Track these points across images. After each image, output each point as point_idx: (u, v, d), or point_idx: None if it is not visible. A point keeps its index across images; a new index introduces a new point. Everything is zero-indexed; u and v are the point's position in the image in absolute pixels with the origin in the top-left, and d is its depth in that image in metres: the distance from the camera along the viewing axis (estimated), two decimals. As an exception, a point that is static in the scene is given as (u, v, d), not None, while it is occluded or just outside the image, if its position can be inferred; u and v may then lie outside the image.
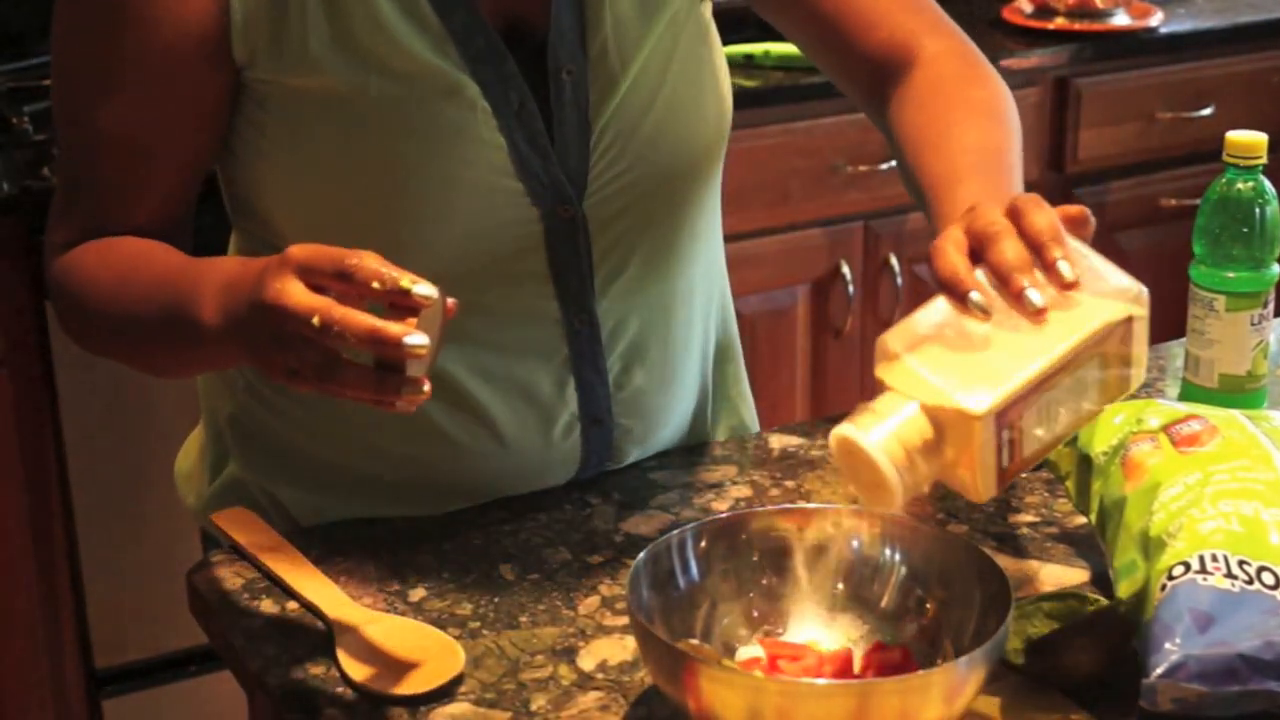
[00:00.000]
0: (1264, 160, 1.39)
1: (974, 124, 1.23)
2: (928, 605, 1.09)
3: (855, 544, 1.11)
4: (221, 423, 1.37)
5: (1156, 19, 2.95)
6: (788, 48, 2.68)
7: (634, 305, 1.31)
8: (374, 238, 1.18)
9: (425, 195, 1.20)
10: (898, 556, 1.10)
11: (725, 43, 1.37)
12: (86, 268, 1.24)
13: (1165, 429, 1.17)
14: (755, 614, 1.10)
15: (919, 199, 1.22)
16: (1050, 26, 2.89)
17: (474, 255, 1.23)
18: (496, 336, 1.27)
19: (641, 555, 1.06)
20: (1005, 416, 0.97)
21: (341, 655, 1.11)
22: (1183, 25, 2.98)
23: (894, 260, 2.75)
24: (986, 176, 1.16)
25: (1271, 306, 1.41)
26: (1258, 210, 1.38)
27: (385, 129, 1.19)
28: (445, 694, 1.08)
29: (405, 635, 1.13)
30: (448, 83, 1.19)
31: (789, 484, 1.34)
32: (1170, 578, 1.06)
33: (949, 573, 1.08)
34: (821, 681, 1.02)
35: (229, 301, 1.08)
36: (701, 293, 1.38)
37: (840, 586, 1.11)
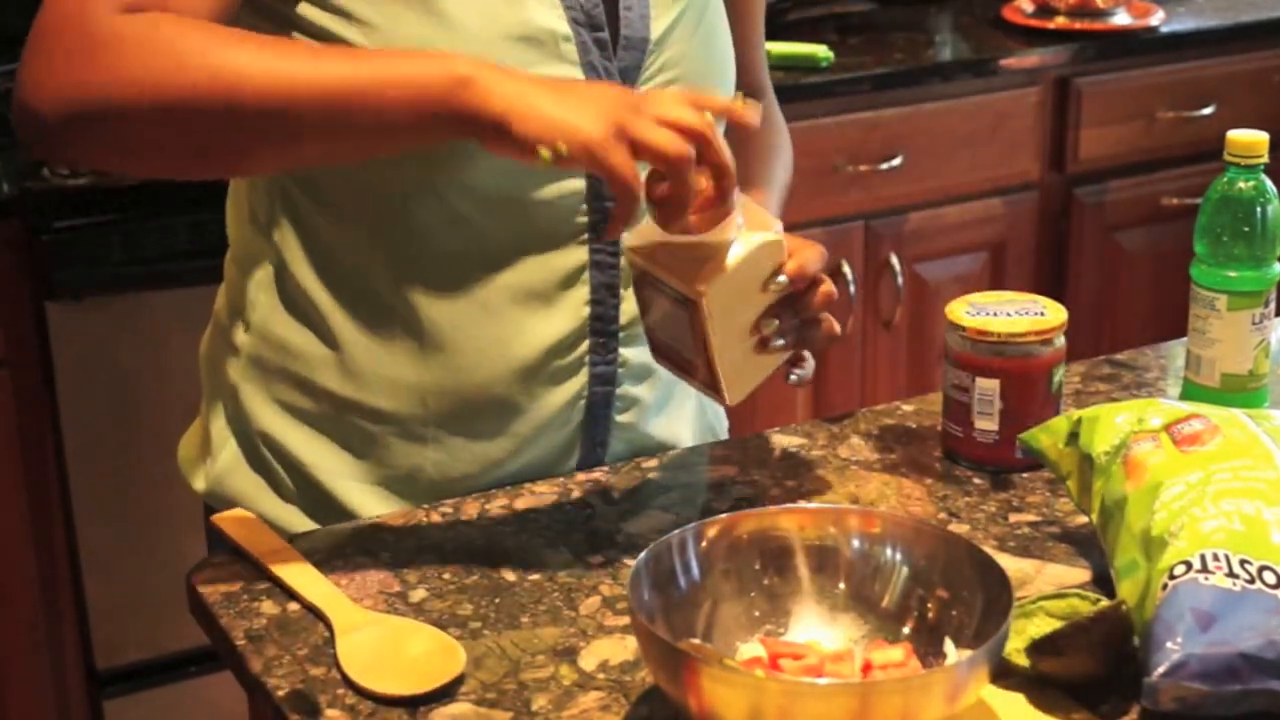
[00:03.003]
0: (1265, 159, 1.39)
1: (781, 165, 1.54)
2: (929, 605, 1.09)
3: (856, 544, 1.11)
4: (225, 384, 1.37)
5: (1157, 18, 2.95)
6: (788, 47, 2.67)
7: None
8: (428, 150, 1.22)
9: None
10: (899, 556, 1.10)
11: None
12: (205, 25, 1.15)
13: (1167, 428, 1.16)
14: (756, 614, 1.10)
15: None
16: (1051, 26, 2.89)
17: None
18: (525, 260, 1.29)
19: (642, 555, 1.06)
20: None
21: (342, 656, 1.10)
22: (1184, 24, 2.98)
23: (894, 260, 2.75)
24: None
25: (1273, 305, 1.41)
26: (1259, 209, 1.38)
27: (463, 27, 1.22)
28: (445, 694, 1.08)
29: (406, 635, 1.13)
30: None
31: (789, 484, 1.34)
32: (1172, 577, 1.06)
33: (950, 573, 1.08)
34: (823, 681, 1.02)
35: (540, 80, 1.13)
36: None
37: (841, 586, 1.11)
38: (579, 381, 1.33)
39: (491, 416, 1.32)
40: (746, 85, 1.46)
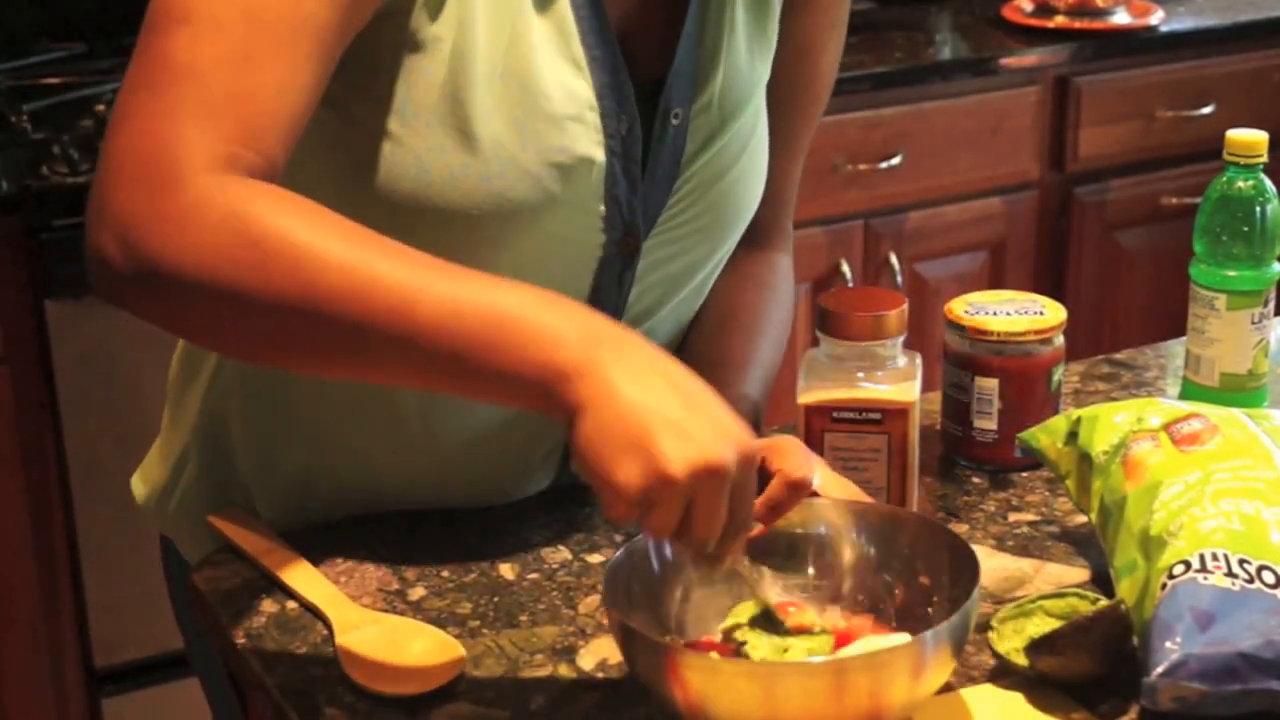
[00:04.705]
0: (1264, 159, 1.39)
1: (770, 343, 1.40)
2: (896, 586, 1.10)
3: (823, 529, 1.12)
4: (191, 426, 1.34)
5: (1157, 17, 2.95)
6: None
7: None
8: (444, 224, 1.15)
9: (512, 190, 1.15)
10: (864, 538, 1.11)
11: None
12: (329, 218, 1.00)
13: (1166, 428, 1.17)
14: (729, 602, 1.10)
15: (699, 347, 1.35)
16: (1050, 25, 2.89)
17: (526, 266, 1.16)
18: None
19: (617, 554, 1.06)
20: None
21: (341, 655, 1.10)
22: (1183, 23, 2.98)
23: (894, 259, 2.75)
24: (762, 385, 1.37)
25: (1272, 305, 1.41)
26: (1258, 209, 1.38)
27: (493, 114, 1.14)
28: (445, 694, 1.08)
29: (405, 635, 1.13)
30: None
31: (789, 483, 1.34)
32: (1171, 576, 1.06)
33: (916, 553, 1.09)
34: (798, 661, 1.03)
35: (632, 346, 0.97)
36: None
37: (811, 570, 1.12)
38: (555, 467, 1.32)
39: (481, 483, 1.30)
40: (772, 208, 1.39)
